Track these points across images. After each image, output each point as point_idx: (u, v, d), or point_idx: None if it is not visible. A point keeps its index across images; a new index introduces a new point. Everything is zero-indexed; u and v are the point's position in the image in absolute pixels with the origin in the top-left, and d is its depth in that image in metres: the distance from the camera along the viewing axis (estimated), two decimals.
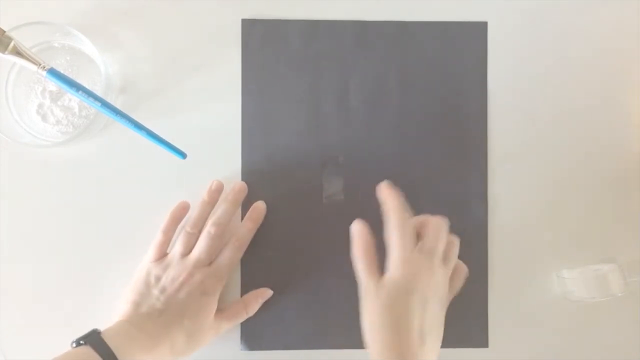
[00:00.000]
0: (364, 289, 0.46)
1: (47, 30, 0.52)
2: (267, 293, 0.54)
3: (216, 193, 0.53)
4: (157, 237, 0.52)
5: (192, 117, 0.55)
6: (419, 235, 0.48)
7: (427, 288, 0.45)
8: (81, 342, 0.46)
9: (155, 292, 0.50)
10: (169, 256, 0.52)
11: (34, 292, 0.54)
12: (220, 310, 0.52)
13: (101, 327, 0.48)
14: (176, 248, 0.52)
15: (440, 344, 0.47)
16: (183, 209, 0.53)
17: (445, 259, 0.48)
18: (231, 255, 0.52)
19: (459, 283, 0.50)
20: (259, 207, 0.54)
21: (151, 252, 0.52)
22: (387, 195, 0.49)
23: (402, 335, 0.44)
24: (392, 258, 0.46)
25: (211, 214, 0.53)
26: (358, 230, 0.48)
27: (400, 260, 0.45)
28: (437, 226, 0.48)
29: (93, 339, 0.46)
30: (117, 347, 0.45)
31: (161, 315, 0.49)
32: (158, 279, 0.51)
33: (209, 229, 0.52)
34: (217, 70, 0.55)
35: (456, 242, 0.49)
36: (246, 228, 0.53)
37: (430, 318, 0.45)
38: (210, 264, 0.52)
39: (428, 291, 0.45)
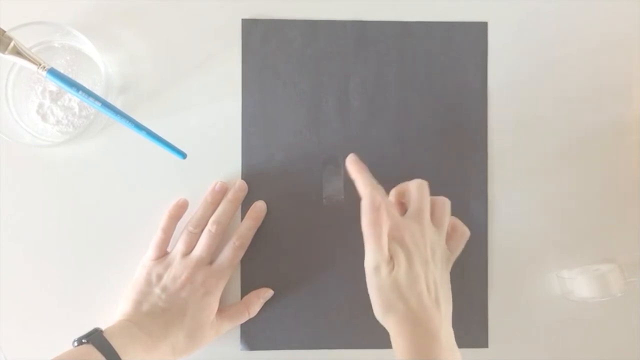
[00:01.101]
0: (371, 265, 0.45)
1: (47, 30, 0.52)
2: (267, 293, 0.54)
3: (219, 194, 0.54)
4: (157, 235, 0.52)
5: (192, 117, 0.55)
6: (403, 205, 0.49)
7: (423, 250, 0.45)
8: (83, 340, 0.46)
9: (157, 290, 0.50)
10: (171, 255, 0.52)
11: (34, 292, 0.54)
12: (221, 311, 0.52)
13: (102, 327, 0.48)
14: (178, 247, 0.52)
15: (451, 305, 0.47)
16: (181, 207, 0.53)
17: (435, 218, 0.47)
18: (232, 254, 0.52)
19: (459, 244, 0.49)
20: (259, 206, 0.54)
21: (151, 250, 0.52)
22: (356, 172, 0.48)
23: (413, 302, 0.44)
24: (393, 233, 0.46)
25: None
26: (374, 200, 0.45)
27: (391, 231, 0.45)
28: (418, 188, 0.47)
29: (95, 338, 0.46)
30: (119, 346, 0.45)
31: (163, 314, 0.49)
32: (160, 277, 0.51)
33: (209, 227, 0.52)
34: (217, 70, 0.55)
35: (445, 202, 0.48)
36: (246, 227, 0.53)
37: (436, 278, 0.45)
38: (211, 263, 0.52)
39: (425, 252, 0.45)
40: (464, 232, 0.50)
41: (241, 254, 0.53)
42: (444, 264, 0.47)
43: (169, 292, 0.50)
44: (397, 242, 0.45)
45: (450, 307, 0.47)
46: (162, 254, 0.52)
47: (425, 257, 0.45)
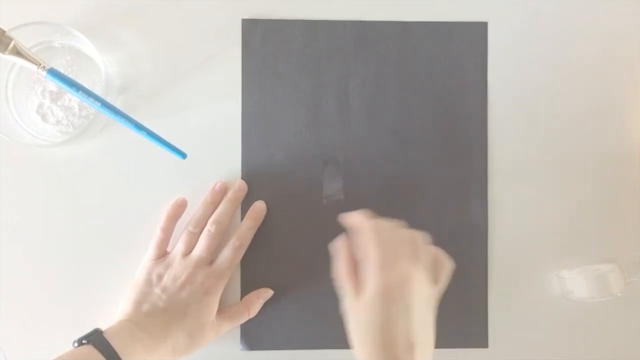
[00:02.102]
0: (348, 306, 0.45)
1: (47, 30, 0.52)
2: (267, 293, 0.54)
3: (219, 194, 0.54)
4: (157, 235, 0.52)
5: (192, 117, 0.55)
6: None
7: (407, 295, 0.42)
8: (83, 341, 0.46)
9: (157, 291, 0.50)
10: (171, 255, 0.52)
11: (34, 292, 0.54)
12: (221, 311, 0.52)
13: (102, 327, 0.48)
14: (178, 247, 0.52)
15: (432, 348, 0.44)
16: (179, 206, 0.53)
17: (415, 258, 0.44)
18: (232, 254, 0.52)
19: (444, 278, 0.46)
20: (259, 206, 0.54)
21: (151, 250, 0.52)
22: (358, 221, 0.47)
23: (387, 348, 0.42)
24: (367, 273, 0.44)
25: None
26: (339, 247, 0.46)
27: (374, 273, 0.43)
28: (389, 230, 0.45)
29: (96, 339, 0.46)
30: (119, 347, 0.45)
31: (163, 314, 0.49)
32: (160, 277, 0.51)
33: (209, 227, 0.52)
34: (217, 70, 0.55)
35: (418, 237, 0.45)
36: (246, 227, 0.53)
37: (417, 324, 0.43)
38: (211, 263, 0.52)
39: (409, 298, 0.42)
40: (446, 265, 0.46)
41: (241, 254, 0.53)
42: (428, 306, 0.44)
43: (169, 293, 0.50)
44: (376, 285, 0.43)
45: (431, 348, 0.44)
46: (162, 254, 0.52)
47: (405, 300, 0.42)
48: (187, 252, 0.52)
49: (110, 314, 0.51)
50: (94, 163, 0.54)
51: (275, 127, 0.55)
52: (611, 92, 0.56)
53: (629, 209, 0.56)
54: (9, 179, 0.54)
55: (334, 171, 0.55)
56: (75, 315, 0.54)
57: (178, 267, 0.51)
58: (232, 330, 0.53)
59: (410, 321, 0.42)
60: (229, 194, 0.54)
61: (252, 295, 0.54)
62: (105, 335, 0.46)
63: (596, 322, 0.56)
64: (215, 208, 0.53)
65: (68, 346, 0.46)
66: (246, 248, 0.53)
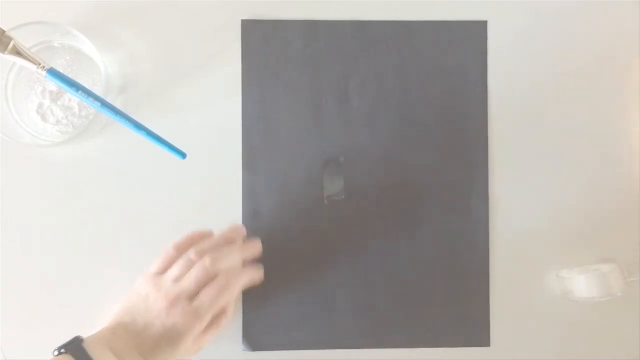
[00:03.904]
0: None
1: (47, 30, 0.52)
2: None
3: (235, 233, 0.52)
4: (168, 252, 0.50)
5: (192, 117, 0.55)
6: None
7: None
8: (62, 350, 0.44)
9: (142, 307, 0.48)
10: (165, 275, 0.49)
11: (33, 292, 0.54)
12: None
13: (96, 329, 0.47)
14: (173, 270, 0.49)
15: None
16: (204, 237, 0.51)
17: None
18: (214, 294, 0.47)
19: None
20: (255, 245, 0.52)
21: (157, 264, 0.50)
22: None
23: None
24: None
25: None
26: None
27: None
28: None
29: (74, 348, 0.44)
30: (97, 357, 0.43)
31: (142, 332, 0.47)
32: (147, 297, 0.48)
33: (206, 260, 0.48)
34: (217, 70, 0.55)
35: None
36: (237, 264, 0.50)
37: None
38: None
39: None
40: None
41: (226, 297, 0.48)
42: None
43: (148, 316, 0.47)
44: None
45: None
46: (165, 270, 0.49)
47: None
48: (180, 277, 0.48)
49: (109, 314, 0.51)
50: (94, 163, 0.54)
51: (276, 127, 0.55)
52: (611, 92, 0.56)
53: (629, 209, 0.56)
54: (9, 179, 0.54)
55: (335, 171, 0.55)
56: (75, 315, 0.54)
57: (163, 292, 0.47)
58: (232, 330, 0.53)
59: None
60: (244, 245, 0.52)
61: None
62: (84, 344, 0.44)
63: (596, 322, 0.56)
64: (224, 244, 0.51)
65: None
66: (234, 293, 0.49)
